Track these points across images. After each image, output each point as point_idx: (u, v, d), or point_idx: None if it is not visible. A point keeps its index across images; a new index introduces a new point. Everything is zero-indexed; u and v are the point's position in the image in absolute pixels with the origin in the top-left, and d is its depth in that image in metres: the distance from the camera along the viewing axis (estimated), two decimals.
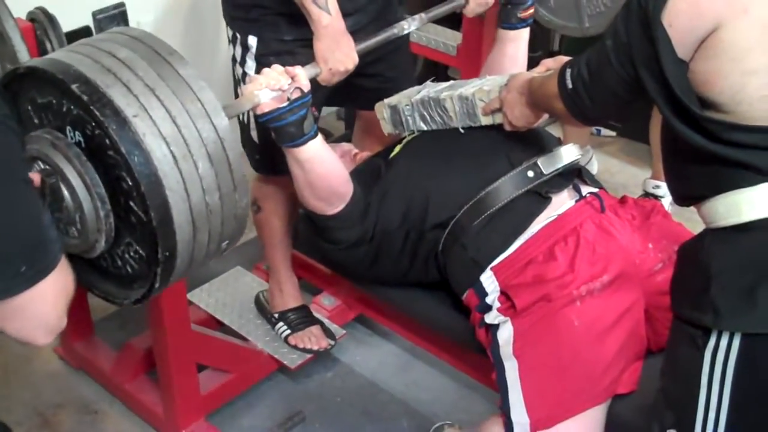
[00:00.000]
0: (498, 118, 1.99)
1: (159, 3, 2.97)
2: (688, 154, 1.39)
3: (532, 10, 2.23)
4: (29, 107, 1.53)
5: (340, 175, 1.99)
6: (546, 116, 1.91)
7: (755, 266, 1.35)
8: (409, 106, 2.14)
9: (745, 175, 1.34)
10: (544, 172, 1.93)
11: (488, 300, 1.87)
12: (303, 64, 1.86)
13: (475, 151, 2.03)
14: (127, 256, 1.54)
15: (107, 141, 1.41)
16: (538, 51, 2.98)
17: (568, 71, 1.59)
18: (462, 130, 2.07)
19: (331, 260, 2.24)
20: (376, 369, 2.56)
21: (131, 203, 1.45)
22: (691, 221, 1.68)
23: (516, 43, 2.26)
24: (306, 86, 1.81)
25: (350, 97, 2.28)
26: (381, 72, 2.25)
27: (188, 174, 1.44)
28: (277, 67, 1.79)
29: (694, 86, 1.33)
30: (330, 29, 1.93)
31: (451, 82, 2.27)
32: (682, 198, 1.49)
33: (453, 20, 2.59)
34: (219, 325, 2.55)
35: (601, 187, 2.03)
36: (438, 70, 3.40)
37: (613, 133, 3.61)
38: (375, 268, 2.09)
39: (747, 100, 1.30)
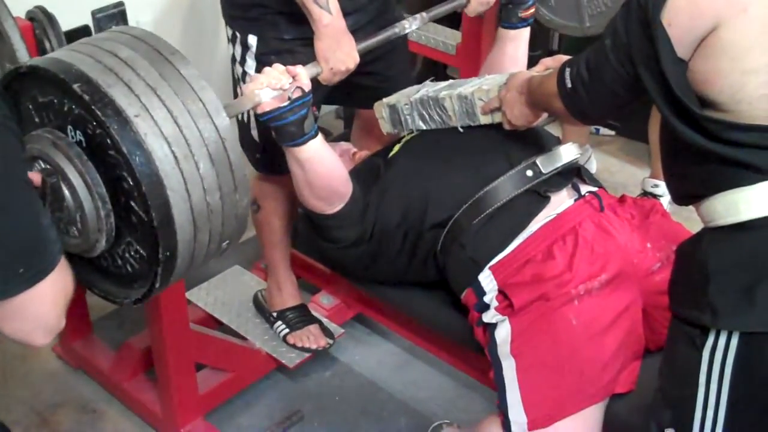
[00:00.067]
0: (497, 118, 1.99)
1: (158, 2, 2.97)
2: (687, 153, 1.39)
3: (533, 10, 2.23)
4: (30, 106, 1.52)
5: (339, 174, 1.99)
6: (545, 115, 1.92)
7: (754, 265, 1.35)
8: (408, 106, 2.14)
9: (744, 174, 1.34)
10: (543, 171, 1.93)
11: (486, 299, 1.87)
12: (303, 63, 1.86)
13: (474, 150, 2.03)
14: (127, 255, 1.54)
15: (108, 141, 1.41)
16: (537, 50, 2.98)
17: (568, 70, 1.59)
18: (461, 130, 2.07)
19: (330, 259, 2.24)
20: (375, 368, 2.56)
21: (132, 203, 1.45)
22: (689, 220, 1.68)
23: (516, 42, 2.26)
24: (307, 85, 1.81)
25: (349, 96, 2.28)
26: (379, 70, 2.24)
27: (189, 174, 1.44)
28: (278, 66, 1.79)
29: (693, 85, 1.34)
30: (331, 28, 1.93)
31: (450, 81, 2.27)
32: (681, 197, 1.49)
33: (452, 19, 2.59)
34: (217, 324, 2.54)
35: (600, 186, 2.03)
36: (437, 69, 3.41)
37: (612, 132, 3.61)
38: (374, 267, 2.09)
39: (746, 99, 1.30)
